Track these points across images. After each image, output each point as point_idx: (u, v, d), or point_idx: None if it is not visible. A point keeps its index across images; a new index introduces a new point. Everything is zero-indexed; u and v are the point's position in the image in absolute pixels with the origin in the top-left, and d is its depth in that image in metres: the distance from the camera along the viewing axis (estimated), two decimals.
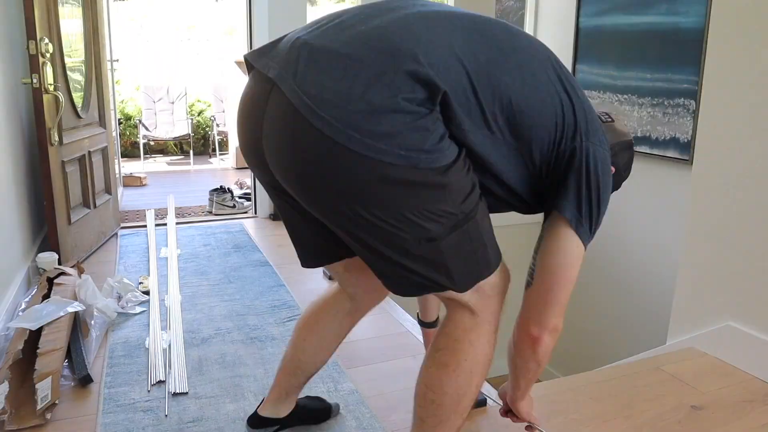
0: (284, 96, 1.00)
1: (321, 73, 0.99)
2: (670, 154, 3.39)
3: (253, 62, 1.12)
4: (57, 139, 2.62)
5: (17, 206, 2.52)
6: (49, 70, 2.51)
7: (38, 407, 1.58)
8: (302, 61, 1.01)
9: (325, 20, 1.10)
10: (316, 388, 1.79)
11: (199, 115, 7.08)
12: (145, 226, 3.48)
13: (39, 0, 2.45)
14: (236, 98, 5.23)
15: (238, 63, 5.20)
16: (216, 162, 6.50)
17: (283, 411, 1.52)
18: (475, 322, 1.17)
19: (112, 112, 3.83)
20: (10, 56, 2.60)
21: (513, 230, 4.53)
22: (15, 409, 1.59)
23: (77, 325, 2.04)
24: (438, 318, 1.66)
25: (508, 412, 1.43)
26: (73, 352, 1.89)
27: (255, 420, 1.53)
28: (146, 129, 6.23)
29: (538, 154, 1.11)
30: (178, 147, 6.97)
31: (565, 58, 4.09)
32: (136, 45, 8.03)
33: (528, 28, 4.49)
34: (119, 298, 2.37)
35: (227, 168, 6.21)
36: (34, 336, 1.84)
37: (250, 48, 3.70)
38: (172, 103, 6.47)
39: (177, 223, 3.57)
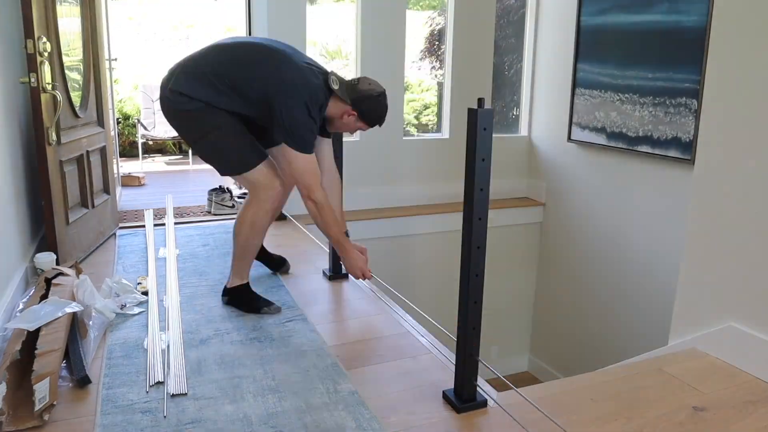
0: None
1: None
2: (671, 153, 3.39)
3: None
4: (55, 138, 2.62)
5: (15, 206, 2.53)
6: (47, 69, 2.51)
7: (36, 408, 1.58)
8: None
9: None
10: (315, 388, 1.79)
11: None
12: (143, 226, 3.48)
13: None
14: None
15: None
16: None
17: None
18: (251, 199, 2.30)
19: (111, 112, 3.83)
20: (8, 55, 2.60)
21: (513, 230, 4.54)
22: (13, 411, 1.60)
23: (75, 325, 2.04)
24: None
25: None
26: (72, 353, 1.89)
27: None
28: (145, 128, 6.23)
29: (254, 101, 2.20)
30: (177, 146, 6.98)
31: (566, 56, 4.09)
32: (135, 44, 8.03)
33: (529, 27, 4.49)
34: (118, 298, 2.37)
35: None
36: (32, 337, 1.84)
37: None
38: None
39: (176, 223, 3.57)
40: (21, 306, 2.22)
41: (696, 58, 3.18)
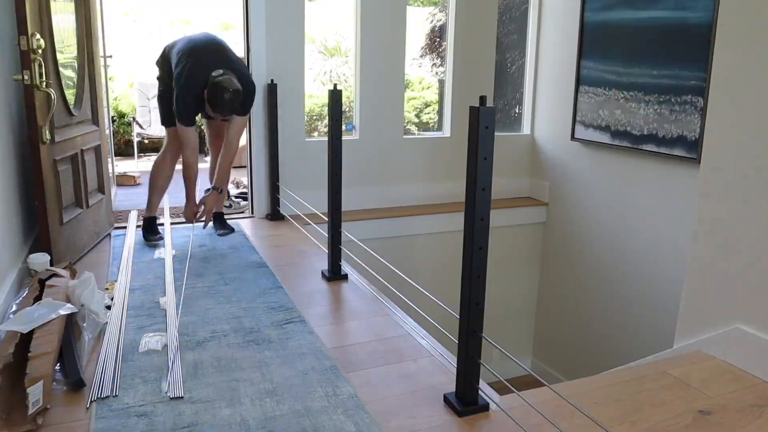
0: None
1: None
2: (677, 152, 3.39)
3: None
4: (49, 137, 2.62)
5: (8, 206, 2.52)
6: (40, 67, 2.51)
7: (30, 412, 1.58)
8: None
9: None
10: (314, 391, 1.79)
11: None
12: (139, 226, 3.48)
13: None
14: None
15: None
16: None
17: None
18: (163, 146, 3.40)
19: (106, 110, 3.83)
20: (1, 52, 2.60)
21: (516, 231, 4.53)
22: (6, 414, 1.59)
23: (69, 328, 2.04)
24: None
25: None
26: (66, 356, 1.89)
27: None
28: (140, 127, 6.23)
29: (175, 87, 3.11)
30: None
31: (570, 53, 4.09)
32: (130, 40, 8.03)
33: (532, 23, 4.49)
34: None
35: None
36: (26, 339, 1.84)
37: (247, 43, 3.70)
38: None
39: (171, 224, 3.57)
40: (14, 308, 2.22)
41: (702, 54, 3.18)
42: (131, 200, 4.27)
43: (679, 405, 1.80)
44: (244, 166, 4.39)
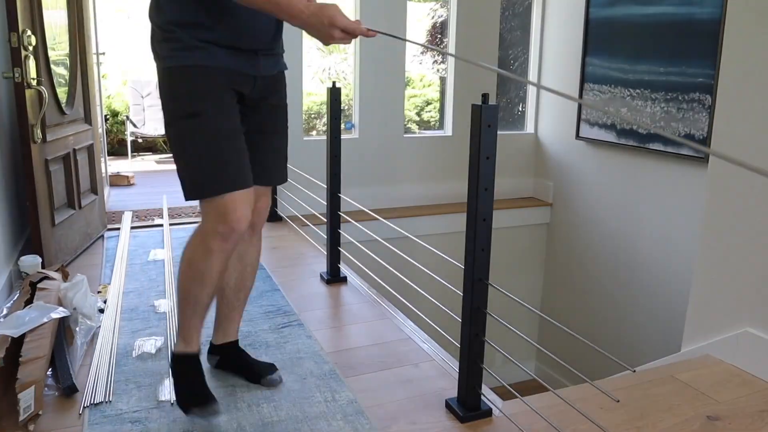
0: None
1: None
2: (684, 151, 3.40)
3: None
4: (40, 136, 2.62)
5: None
6: (31, 64, 2.51)
7: (21, 418, 1.58)
8: None
9: None
10: (312, 396, 1.79)
11: None
12: (134, 227, 3.49)
13: None
14: None
15: None
16: None
17: (220, 339, 1.94)
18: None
19: (98, 108, 3.83)
20: None
21: (519, 231, 4.54)
22: None
23: (62, 332, 2.04)
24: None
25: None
26: (58, 361, 1.89)
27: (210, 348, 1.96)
28: (134, 125, 6.23)
29: None
30: (168, 145, 6.97)
31: (574, 50, 4.10)
32: (124, 37, 8.03)
33: (535, 19, 4.50)
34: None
35: None
36: (17, 343, 1.84)
37: None
38: None
39: (169, 224, 3.57)
40: (5, 311, 2.22)
41: (710, 51, 3.18)
42: (124, 201, 4.27)
43: (687, 410, 1.80)
44: None
